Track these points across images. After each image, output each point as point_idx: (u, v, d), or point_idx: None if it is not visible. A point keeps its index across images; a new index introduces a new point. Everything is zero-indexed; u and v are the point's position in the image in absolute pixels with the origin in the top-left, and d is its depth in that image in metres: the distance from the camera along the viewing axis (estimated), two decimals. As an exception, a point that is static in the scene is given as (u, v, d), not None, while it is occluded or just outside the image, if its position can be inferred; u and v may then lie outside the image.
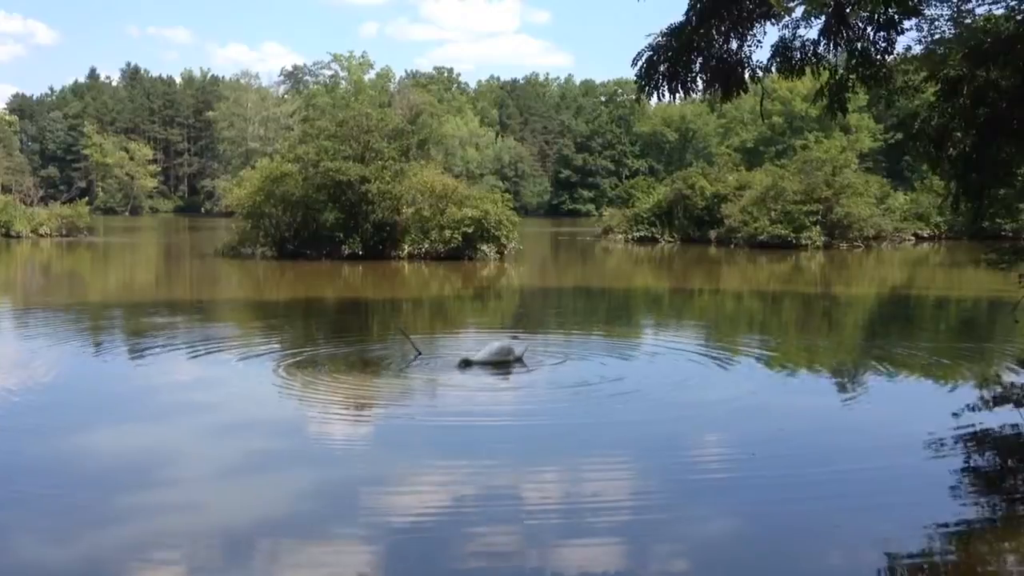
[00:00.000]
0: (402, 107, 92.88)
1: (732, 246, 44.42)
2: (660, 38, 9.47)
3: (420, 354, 13.67)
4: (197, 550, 6.55)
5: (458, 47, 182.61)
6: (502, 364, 12.99)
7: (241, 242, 36.16)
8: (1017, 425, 10.47)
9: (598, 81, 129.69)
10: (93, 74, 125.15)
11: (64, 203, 57.06)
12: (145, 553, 6.51)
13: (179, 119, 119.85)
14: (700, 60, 9.47)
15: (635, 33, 58.30)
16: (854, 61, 9.25)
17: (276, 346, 15.72)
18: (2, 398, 11.37)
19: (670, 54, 9.40)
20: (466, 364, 12.90)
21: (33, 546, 6.65)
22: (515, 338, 13.89)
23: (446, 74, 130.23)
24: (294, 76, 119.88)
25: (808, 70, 9.46)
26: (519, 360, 13.24)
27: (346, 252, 33.50)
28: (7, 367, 13.69)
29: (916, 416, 10.93)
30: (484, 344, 13.42)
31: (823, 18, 8.87)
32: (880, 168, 69.76)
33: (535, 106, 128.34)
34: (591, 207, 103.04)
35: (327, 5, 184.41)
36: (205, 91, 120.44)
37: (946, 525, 7.12)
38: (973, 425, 10.26)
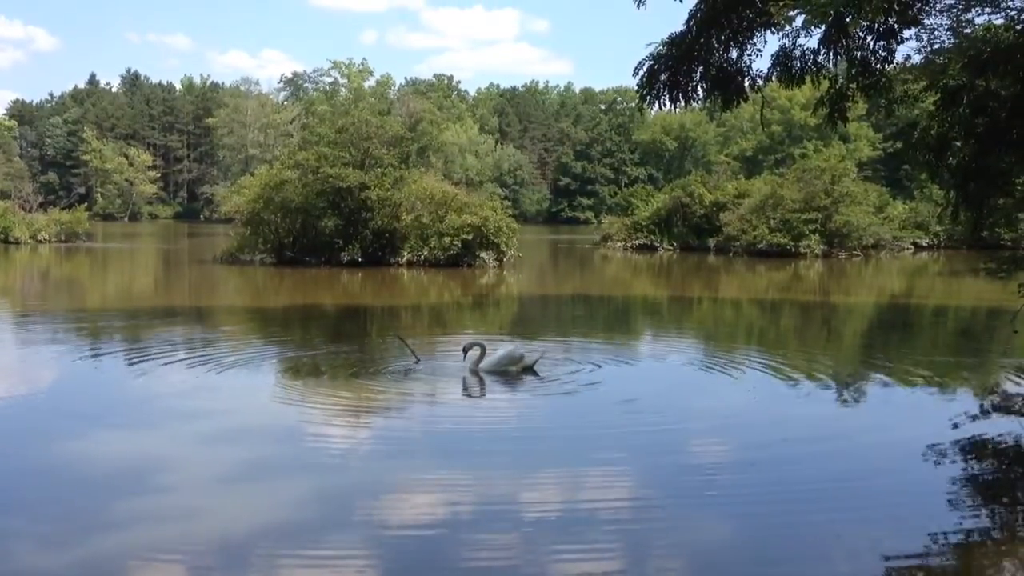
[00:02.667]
0: (402, 114, 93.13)
1: (731, 254, 44.47)
2: (661, 47, 9.53)
3: (419, 361, 13.65)
4: (196, 556, 6.52)
5: (458, 55, 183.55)
6: (509, 373, 12.82)
7: (240, 248, 36.16)
8: (1017, 435, 10.46)
9: (597, 89, 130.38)
10: (93, 80, 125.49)
11: (63, 209, 57.23)
12: (143, 559, 6.49)
13: (179, 125, 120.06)
14: (700, 69, 9.53)
15: (635, 41, 59.02)
16: (854, 70, 9.30)
17: (275, 352, 15.73)
18: (0, 403, 11.36)
19: (671, 63, 9.45)
20: (470, 347, 12.89)
21: (31, 552, 6.62)
22: (529, 345, 13.75)
23: (446, 81, 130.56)
24: (294, 83, 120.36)
25: (808, 79, 9.50)
26: (529, 369, 13.03)
27: (345, 259, 33.48)
28: (5, 372, 13.67)
29: (915, 425, 10.91)
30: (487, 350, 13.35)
31: (823, 27, 8.89)
32: (879, 177, 69.92)
33: (534, 114, 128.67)
34: (590, 215, 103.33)
35: (327, 13, 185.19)
36: (205, 98, 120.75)
37: (946, 535, 7.10)
38: (973, 435, 10.26)
